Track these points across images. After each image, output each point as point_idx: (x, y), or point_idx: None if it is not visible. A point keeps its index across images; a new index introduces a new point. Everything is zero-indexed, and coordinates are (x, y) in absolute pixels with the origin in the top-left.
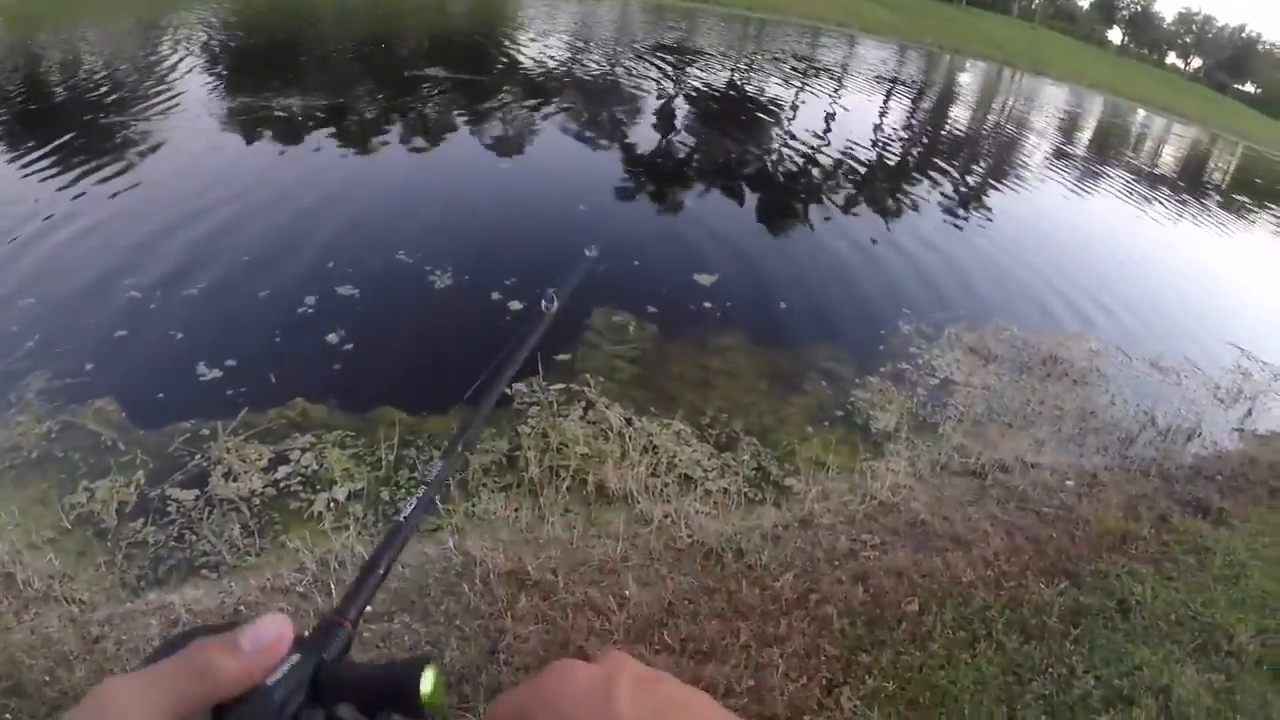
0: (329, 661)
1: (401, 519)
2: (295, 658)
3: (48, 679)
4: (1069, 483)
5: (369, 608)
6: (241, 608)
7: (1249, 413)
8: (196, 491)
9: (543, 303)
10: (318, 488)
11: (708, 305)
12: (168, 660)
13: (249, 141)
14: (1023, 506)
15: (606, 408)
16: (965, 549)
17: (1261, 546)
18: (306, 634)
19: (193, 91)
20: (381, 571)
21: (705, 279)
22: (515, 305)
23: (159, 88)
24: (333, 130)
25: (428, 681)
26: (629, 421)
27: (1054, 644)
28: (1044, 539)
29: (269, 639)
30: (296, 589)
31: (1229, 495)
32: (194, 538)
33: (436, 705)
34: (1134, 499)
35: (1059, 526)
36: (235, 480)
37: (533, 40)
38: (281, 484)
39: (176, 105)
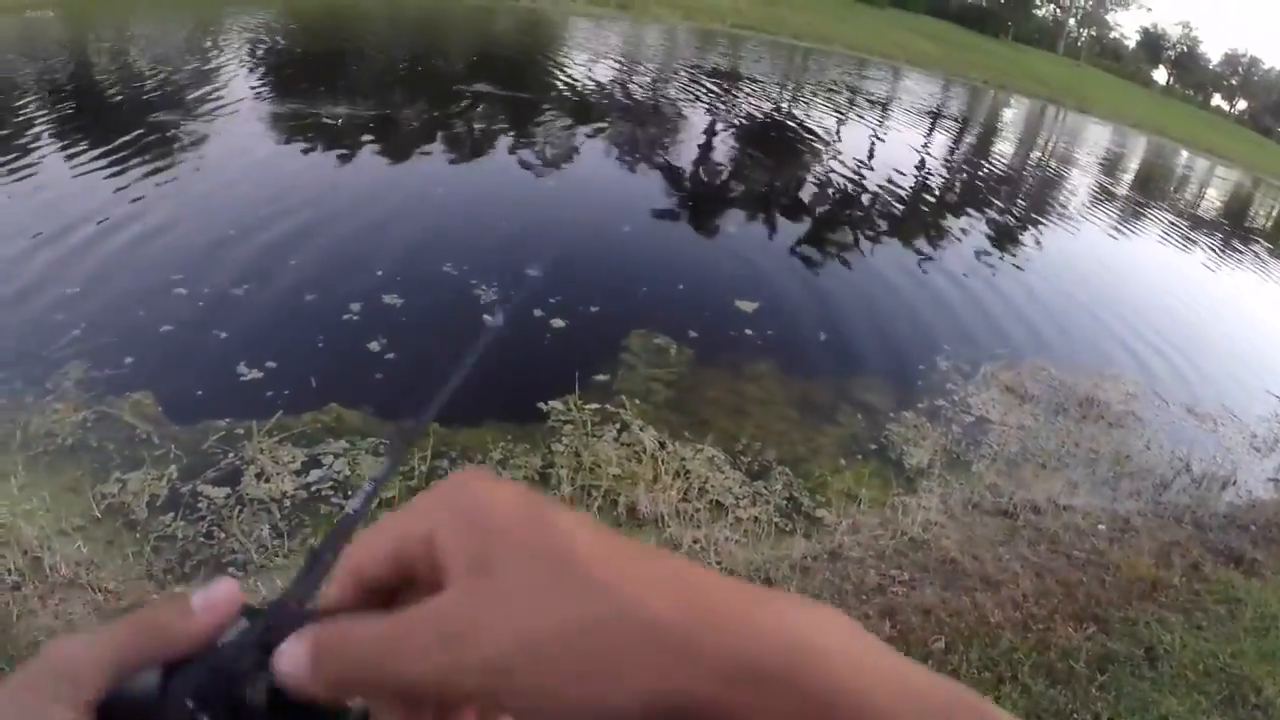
0: (278, 630)
1: (350, 511)
2: (243, 623)
3: None
4: (1101, 527)
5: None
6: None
7: None
8: (228, 489)
9: (485, 318)
10: (349, 494)
11: (749, 332)
12: (119, 620)
13: (297, 148)
14: (1054, 549)
15: (641, 430)
16: (994, 589)
17: None
18: (259, 605)
19: (242, 95)
20: (329, 558)
21: (747, 306)
22: (557, 323)
23: (209, 89)
24: (382, 140)
25: None
26: (662, 445)
27: (1080, 689)
28: (1074, 583)
29: (219, 600)
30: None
31: (1262, 546)
32: (223, 535)
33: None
34: (1166, 546)
35: (1089, 571)
36: (267, 481)
37: (580, 60)
38: (313, 488)
39: (226, 107)
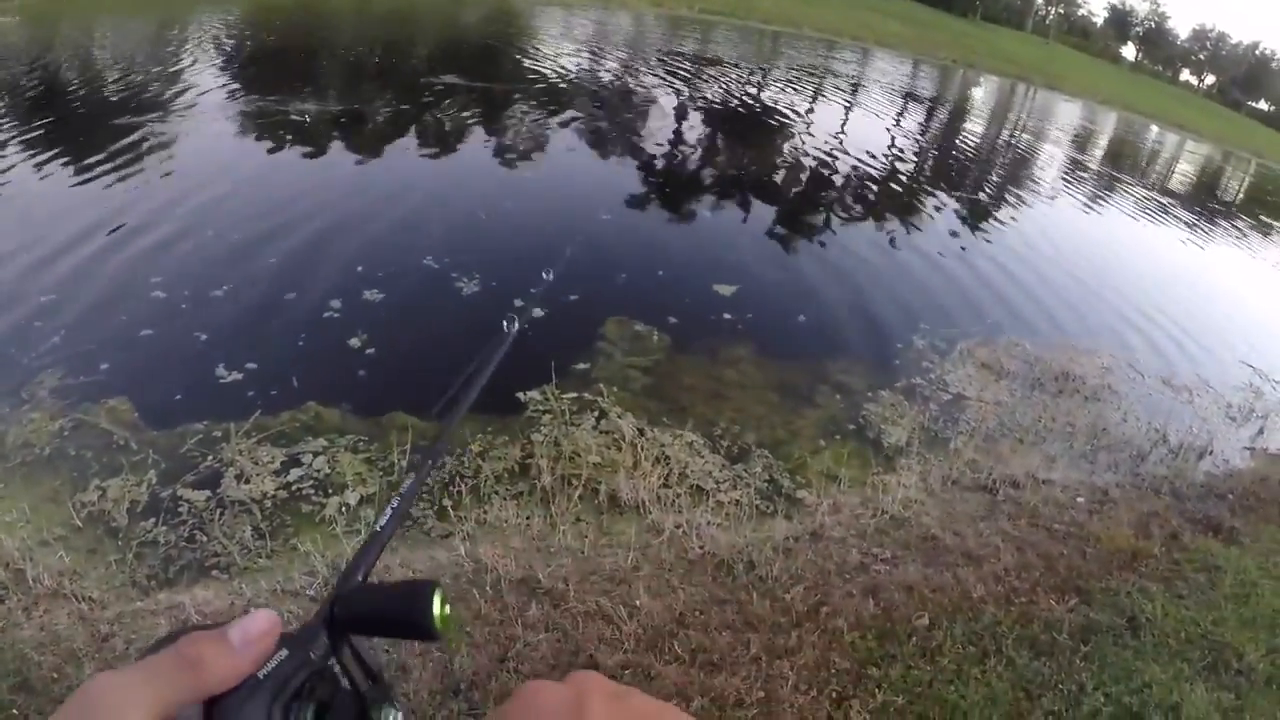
0: (315, 659)
1: (378, 528)
2: (284, 653)
3: (56, 676)
4: (1080, 499)
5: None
6: (252, 609)
7: (1261, 431)
8: (208, 492)
9: (504, 323)
10: (330, 491)
11: (728, 316)
12: (158, 654)
13: (268, 146)
14: (1034, 523)
15: (619, 417)
16: (976, 564)
17: (1272, 565)
18: (294, 632)
19: (210, 95)
20: (360, 579)
21: (725, 289)
22: (537, 313)
23: (177, 89)
24: (353, 136)
25: (437, 604)
26: (641, 432)
27: (1064, 660)
28: (1055, 555)
29: (258, 633)
30: (307, 592)
31: (1240, 514)
32: (205, 538)
33: (448, 627)
34: (1145, 516)
35: (1070, 543)
36: (247, 482)
37: (550, 49)
38: (293, 487)
39: (194, 107)
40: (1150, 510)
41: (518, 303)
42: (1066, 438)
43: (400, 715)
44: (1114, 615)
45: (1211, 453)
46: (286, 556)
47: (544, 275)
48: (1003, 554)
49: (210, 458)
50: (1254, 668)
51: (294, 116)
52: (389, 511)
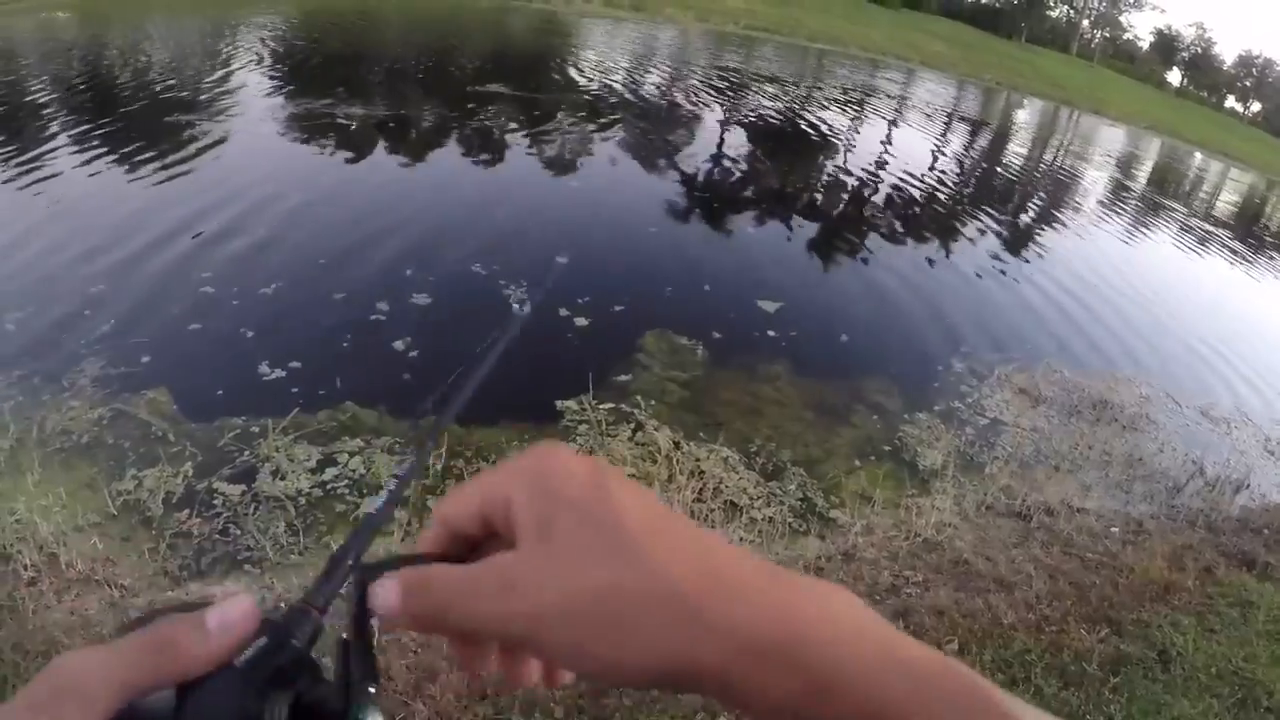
0: (298, 646)
1: (372, 510)
2: (263, 640)
3: None
4: (1114, 529)
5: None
6: (281, 604)
7: None
8: (243, 487)
9: (514, 306)
10: (364, 491)
11: (771, 333)
12: (131, 635)
13: (316, 148)
14: (1067, 551)
15: (655, 430)
16: (1007, 591)
17: None
18: (275, 618)
19: (258, 95)
20: (350, 561)
21: (769, 306)
22: (581, 322)
23: (225, 89)
24: (400, 141)
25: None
26: (677, 445)
27: (1093, 691)
28: (1087, 585)
29: (235, 619)
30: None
31: (1275, 549)
32: (238, 532)
33: None
34: (1179, 549)
35: (1102, 573)
36: (283, 479)
37: (594, 60)
38: (328, 486)
39: (242, 107)
40: (1184, 543)
41: (522, 286)
42: (1102, 466)
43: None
44: (1145, 647)
45: (1248, 486)
46: (318, 554)
47: (558, 259)
48: (1035, 581)
49: (247, 453)
50: None
51: (341, 120)
52: (384, 495)
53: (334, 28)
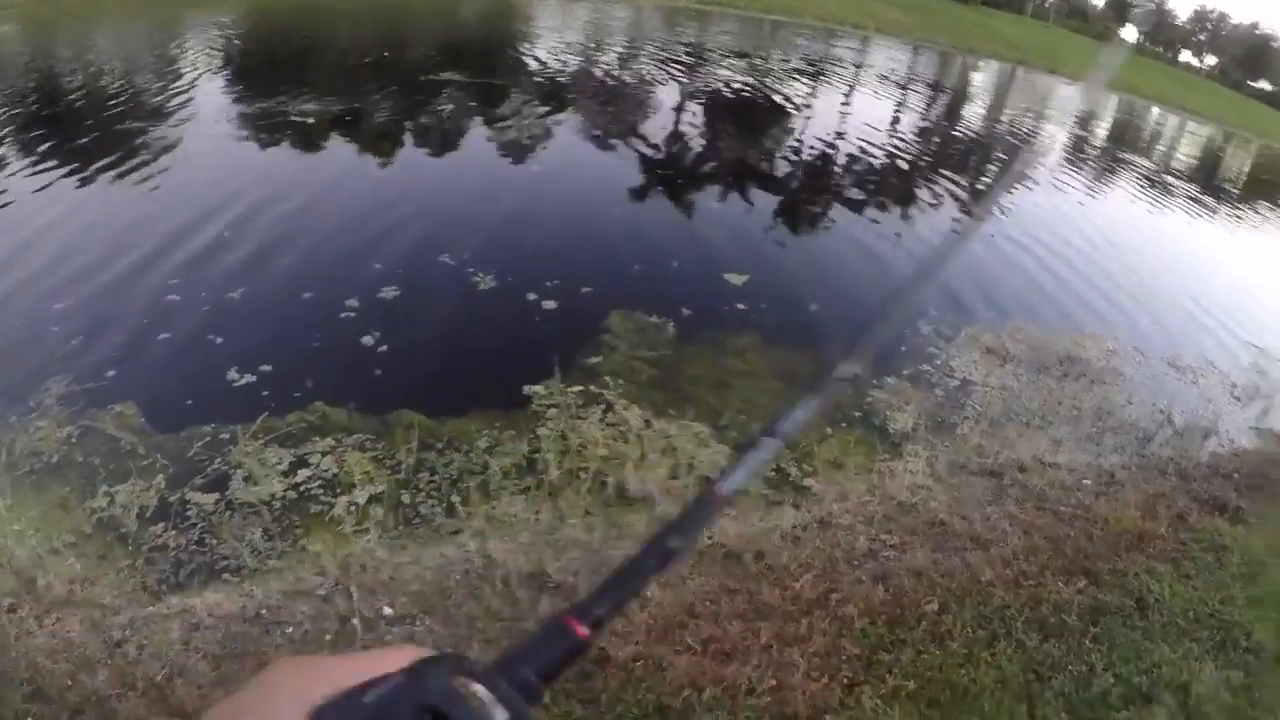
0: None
1: (723, 491)
2: (399, 680)
3: (70, 683)
4: (1086, 482)
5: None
6: (263, 611)
7: (1266, 411)
8: (217, 495)
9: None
10: (338, 491)
11: (740, 306)
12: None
13: (272, 147)
14: (1041, 506)
15: (625, 409)
16: (984, 548)
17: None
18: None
19: (210, 97)
20: (600, 612)
21: (737, 279)
22: (549, 305)
23: (176, 94)
24: (356, 135)
25: None
26: (648, 423)
27: (1073, 642)
28: (1062, 538)
29: None
30: (318, 592)
31: (1246, 493)
32: (215, 541)
33: None
34: (1151, 498)
35: (1077, 525)
36: (255, 484)
37: (548, 43)
38: (301, 488)
39: (194, 111)
40: (1156, 491)
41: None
42: (1072, 421)
43: None
44: (1122, 596)
45: (1217, 433)
46: (296, 557)
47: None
48: (1010, 538)
49: (218, 460)
50: (1263, 646)
51: (295, 118)
52: (742, 469)
53: (283, 24)
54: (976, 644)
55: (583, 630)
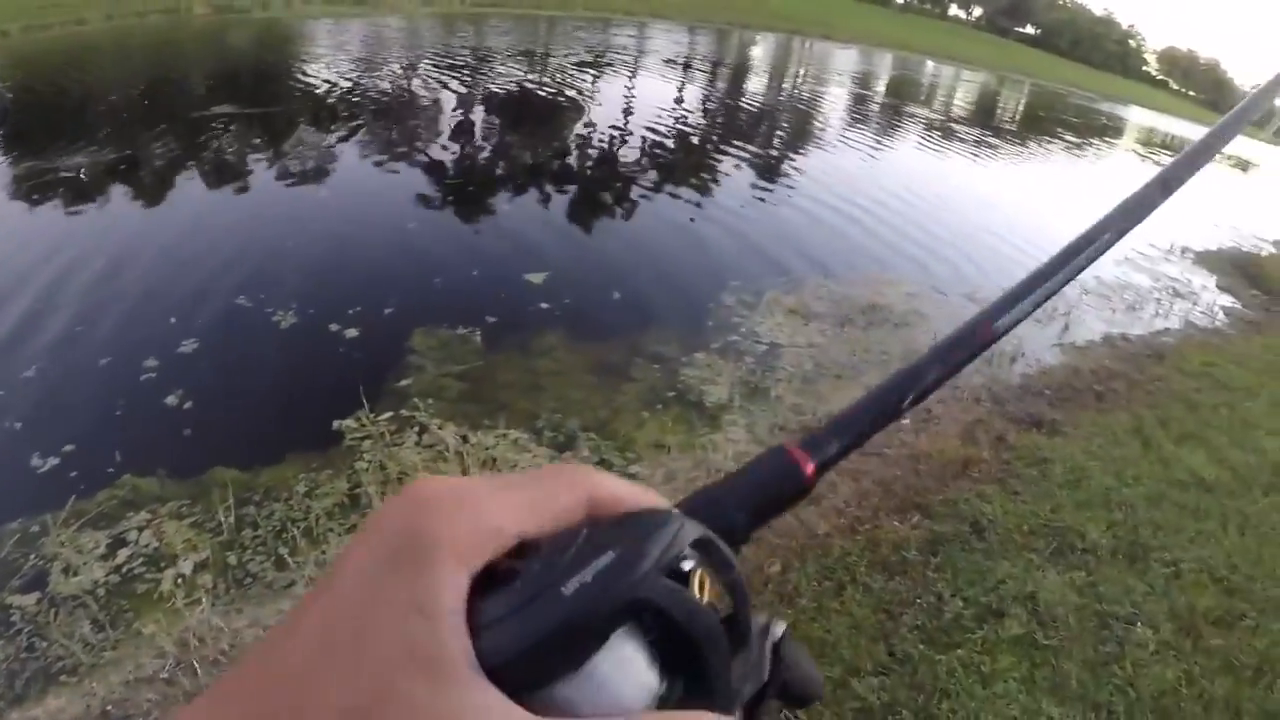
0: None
1: (993, 325)
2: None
3: None
4: (905, 421)
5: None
6: (109, 708)
7: (1066, 328)
8: (38, 594)
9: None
10: (162, 565)
11: (544, 305)
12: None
13: (42, 208)
14: (864, 453)
15: (440, 429)
16: (816, 503)
17: (1096, 448)
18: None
19: None
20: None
21: (536, 277)
22: (351, 333)
23: None
24: (131, 184)
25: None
26: (465, 439)
27: (917, 576)
28: (890, 479)
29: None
30: (160, 676)
31: (1059, 406)
32: (44, 644)
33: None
34: (970, 425)
35: (903, 465)
36: (75, 574)
37: (323, 63)
38: (124, 569)
39: None
40: (974, 418)
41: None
42: (881, 366)
43: None
44: (957, 524)
45: (1024, 355)
46: (132, 643)
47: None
48: (839, 488)
49: (33, 556)
50: (1098, 544)
51: (65, 173)
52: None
53: (47, 70)
54: (824, 595)
55: (810, 468)
